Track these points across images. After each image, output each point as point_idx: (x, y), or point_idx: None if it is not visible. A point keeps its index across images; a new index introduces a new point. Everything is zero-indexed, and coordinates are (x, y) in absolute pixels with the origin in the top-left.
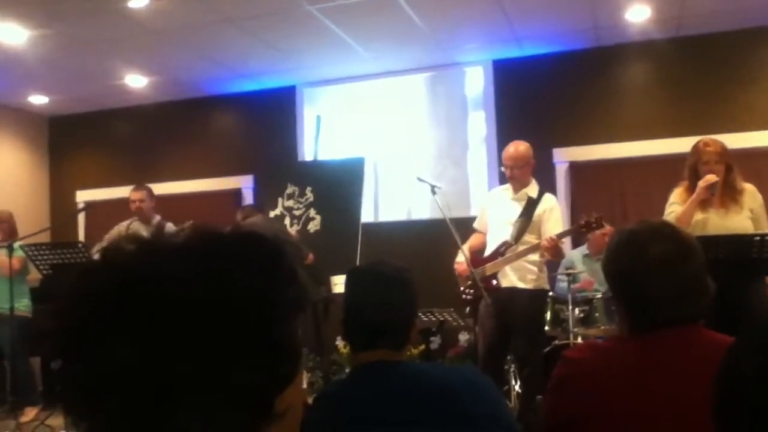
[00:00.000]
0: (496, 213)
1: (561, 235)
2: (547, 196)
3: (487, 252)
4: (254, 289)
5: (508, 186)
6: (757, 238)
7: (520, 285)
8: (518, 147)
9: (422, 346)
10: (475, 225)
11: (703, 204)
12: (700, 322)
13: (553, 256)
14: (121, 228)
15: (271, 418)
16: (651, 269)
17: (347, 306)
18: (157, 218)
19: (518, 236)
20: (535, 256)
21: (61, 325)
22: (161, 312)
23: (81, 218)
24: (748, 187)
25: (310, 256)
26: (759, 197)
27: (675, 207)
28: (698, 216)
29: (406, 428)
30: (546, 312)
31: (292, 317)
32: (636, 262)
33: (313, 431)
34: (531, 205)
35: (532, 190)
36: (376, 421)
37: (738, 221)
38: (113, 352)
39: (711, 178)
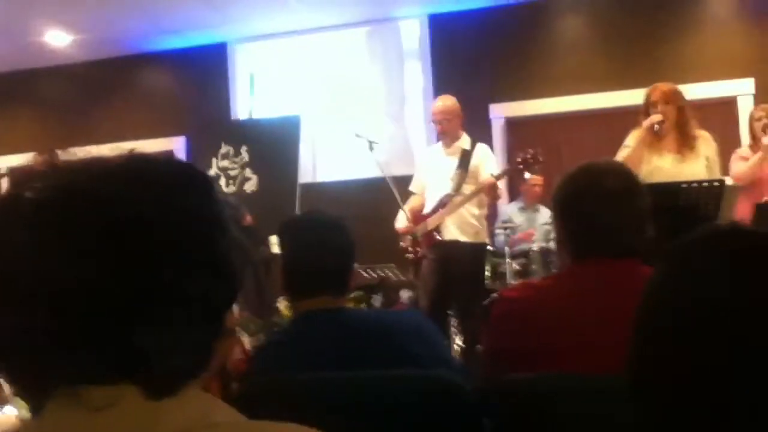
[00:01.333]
0: (432, 171)
1: (500, 175)
2: (480, 146)
3: (428, 208)
4: (195, 206)
5: (439, 144)
6: (684, 185)
7: (462, 238)
8: (445, 101)
9: (364, 304)
10: (411, 188)
11: (660, 150)
12: (636, 258)
13: (492, 198)
14: None
15: (222, 334)
16: (601, 198)
17: (285, 255)
18: None
19: (457, 188)
20: (475, 209)
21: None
22: (113, 232)
23: (4, 185)
24: (703, 134)
25: (248, 217)
26: (713, 144)
27: (626, 150)
28: (654, 162)
29: (350, 371)
30: (485, 266)
31: (229, 236)
32: (588, 191)
33: (258, 381)
34: (465, 156)
35: (465, 142)
36: (320, 366)
37: (692, 168)
38: (69, 271)
39: (654, 117)
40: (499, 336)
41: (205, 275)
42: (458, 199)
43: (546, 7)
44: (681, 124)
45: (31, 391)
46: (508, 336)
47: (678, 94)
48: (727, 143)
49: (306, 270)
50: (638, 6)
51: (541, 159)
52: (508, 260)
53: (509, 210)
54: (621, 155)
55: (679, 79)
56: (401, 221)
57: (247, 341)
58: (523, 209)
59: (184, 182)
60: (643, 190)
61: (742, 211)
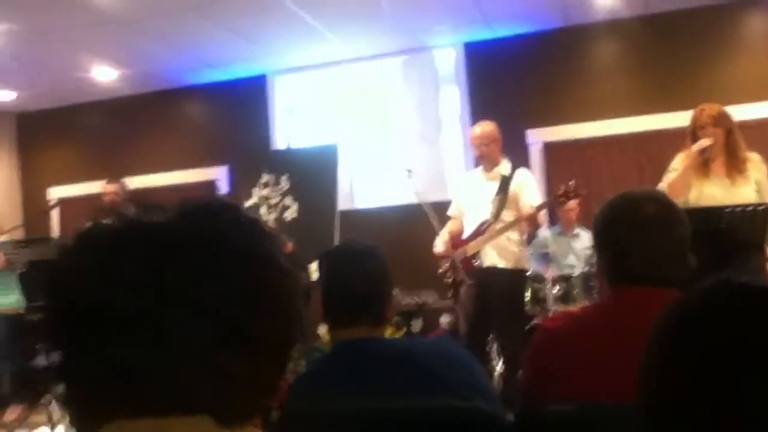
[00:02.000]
0: (471, 196)
1: (540, 207)
2: (521, 171)
3: (466, 234)
4: (247, 247)
5: (479, 168)
6: (728, 209)
7: (501, 264)
8: (483, 126)
9: (404, 329)
10: (450, 212)
11: (708, 174)
12: (674, 288)
13: (533, 227)
14: None
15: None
16: (642, 225)
17: (324, 285)
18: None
19: (497, 213)
20: (515, 235)
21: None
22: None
23: (55, 215)
24: (753, 156)
25: (289, 245)
26: (764, 167)
27: (671, 174)
28: (703, 188)
29: (385, 401)
30: (526, 291)
31: (284, 273)
32: (628, 217)
33: (297, 410)
34: (505, 182)
35: (504, 167)
36: (356, 395)
37: (743, 193)
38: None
39: (704, 142)
40: (538, 366)
41: (270, 315)
42: (498, 226)
43: (579, 33)
44: (730, 147)
45: (89, 420)
46: (547, 366)
47: (726, 116)
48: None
49: (343, 299)
50: (672, 29)
51: (581, 192)
52: (548, 285)
53: (546, 235)
54: (667, 179)
55: (716, 100)
56: (439, 246)
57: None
58: (560, 234)
59: (233, 220)
60: (683, 219)
61: None
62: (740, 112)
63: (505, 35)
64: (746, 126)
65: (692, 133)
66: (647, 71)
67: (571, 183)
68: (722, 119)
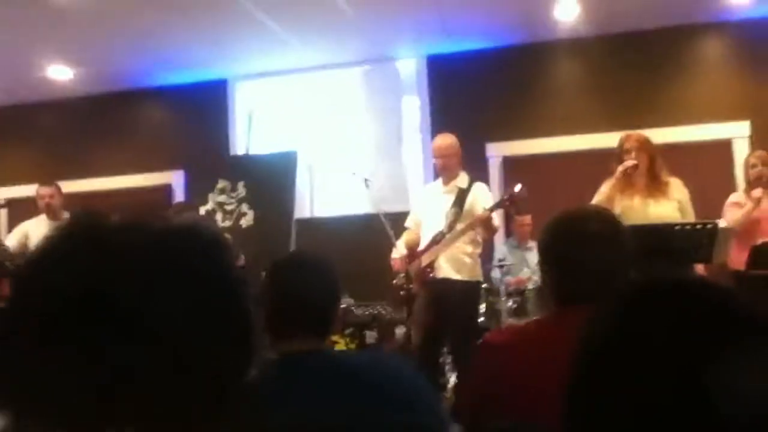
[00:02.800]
0: (428, 208)
1: (491, 209)
2: (477, 185)
3: (422, 245)
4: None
5: (438, 182)
6: (677, 227)
7: (455, 276)
8: (444, 139)
9: (357, 341)
10: (407, 224)
11: (631, 193)
12: None
13: (488, 231)
14: (26, 226)
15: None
16: (584, 243)
17: (270, 295)
18: (66, 215)
19: (451, 225)
20: (469, 247)
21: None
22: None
23: (3, 216)
24: (674, 180)
25: (242, 258)
26: (685, 190)
27: (598, 195)
28: (626, 202)
29: (332, 414)
30: (479, 304)
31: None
32: (571, 235)
33: (230, 424)
34: (461, 195)
35: (462, 180)
36: (299, 409)
37: (666, 209)
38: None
39: (628, 163)
40: (480, 381)
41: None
42: (451, 235)
43: (541, 49)
44: (652, 171)
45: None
46: (489, 382)
47: (650, 143)
48: (723, 185)
49: (287, 311)
50: (632, 49)
51: (525, 195)
52: (503, 298)
53: (503, 248)
54: (594, 200)
55: (673, 120)
56: (395, 258)
57: None
58: (515, 247)
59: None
60: (626, 235)
61: (736, 253)
62: (696, 132)
63: (467, 49)
64: (703, 146)
65: (618, 156)
66: (606, 89)
67: (517, 187)
68: (646, 144)
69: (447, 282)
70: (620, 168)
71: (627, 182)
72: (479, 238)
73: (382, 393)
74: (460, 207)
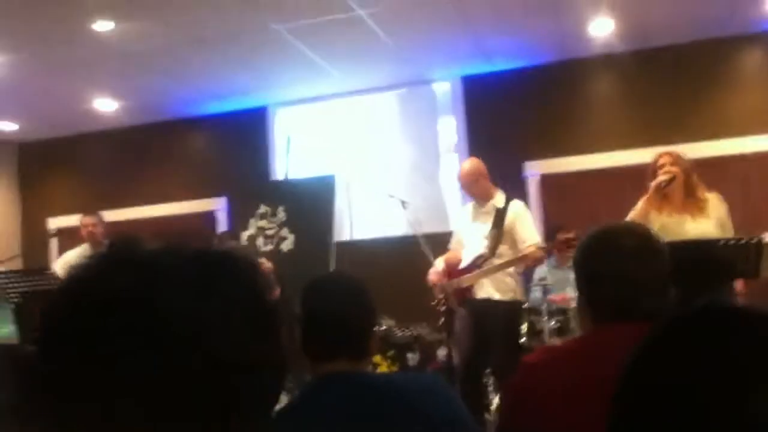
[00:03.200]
0: (468, 229)
1: (546, 249)
2: (514, 203)
3: (463, 264)
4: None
5: (473, 202)
6: (721, 242)
7: (497, 296)
8: (463, 166)
9: (399, 363)
10: (450, 246)
11: (669, 210)
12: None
13: (535, 263)
14: (69, 255)
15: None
16: (622, 260)
17: (304, 318)
18: None
19: (493, 248)
20: (509, 268)
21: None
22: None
23: (54, 245)
24: (712, 196)
25: (277, 291)
26: (724, 205)
27: (632, 212)
28: (662, 219)
29: None
30: (522, 324)
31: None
32: (608, 253)
33: None
34: (500, 215)
35: (499, 200)
36: (339, 430)
37: (704, 227)
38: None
39: (661, 177)
40: (517, 401)
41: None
42: (496, 261)
43: (576, 66)
44: (688, 187)
45: None
46: (526, 401)
47: (684, 159)
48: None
49: (322, 333)
50: (669, 63)
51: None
52: (545, 318)
53: (544, 268)
54: (629, 217)
55: (713, 134)
56: (433, 274)
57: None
58: (555, 267)
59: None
60: (663, 251)
61: None
62: (738, 145)
63: (502, 68)
64: (744, 159)
65: (653, 173)
66: (644, 105)
67: (573, 232)
68: (680, 160)
69: (489, 302)
70: (653, 183)
71: (663, 199)
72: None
73: (418, 414)
74: (500, 228)
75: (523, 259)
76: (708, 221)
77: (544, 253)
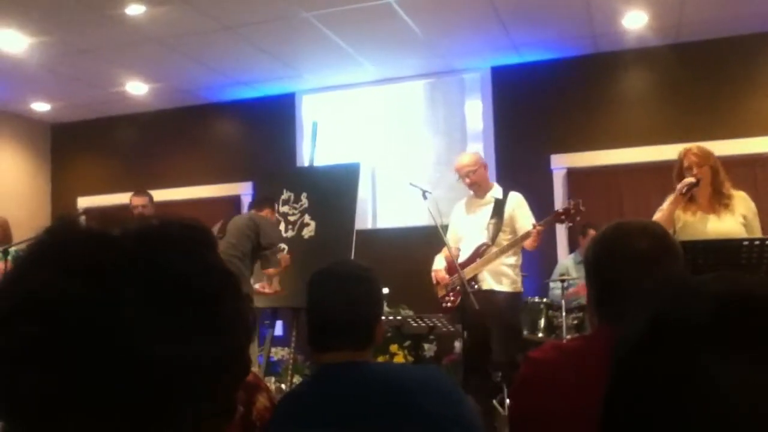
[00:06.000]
0: (467, 222)
1: (541, 224)
2: (513, 194)
3: (464, 257)
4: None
5: (471, 195)
6: (746, 242)
7: (498, 287)
8: (461, 158)
9: (415, 354)
10: (446, 238)
11: (694, 209)
12: None
13: (535, 242)
14: None
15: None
16: (632, 260)
17: (309, 307)
18: None
19: (494, 237)
20: (511, 259)
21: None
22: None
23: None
24: (739, 194)
25: (275, 286)
26: (751, 204)
27: (658, 213)
28: (686, 218)
29: (367, 428)
30: (540, 318)
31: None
32: (618, 252)
33: (277, 430)
34: (499, 205)
35: (497, 191)
36: (337, 421)
37: (730, 225)
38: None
39: (687, 180)
40: (523, 398)
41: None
42: (496, 249)
43: (608, 60)
44: (716, 185)
45: None
46: (532, 399)
47: (711, 156)
48: None
49: (328, 325)
50: (703, 58)
51: (582, 209)
52: (563, 314)
53: (566, 263)
54: (654, 218)
55: (748, 131)
56: (436, 271)
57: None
58: (579, 263)
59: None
60: (678, 253)
61: None
62: None
63: (532, 60)
64: None
65: (678, 173)
66: (676, 100)
67: (571, 201)
68: (706, 158)
69: (491, 294)
70: (679, 186)
71: (689, 199)
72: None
73: (415, 405)
74: (500, 217)
75: (522, 239)
76: (733, 219)
77: (540, 230)
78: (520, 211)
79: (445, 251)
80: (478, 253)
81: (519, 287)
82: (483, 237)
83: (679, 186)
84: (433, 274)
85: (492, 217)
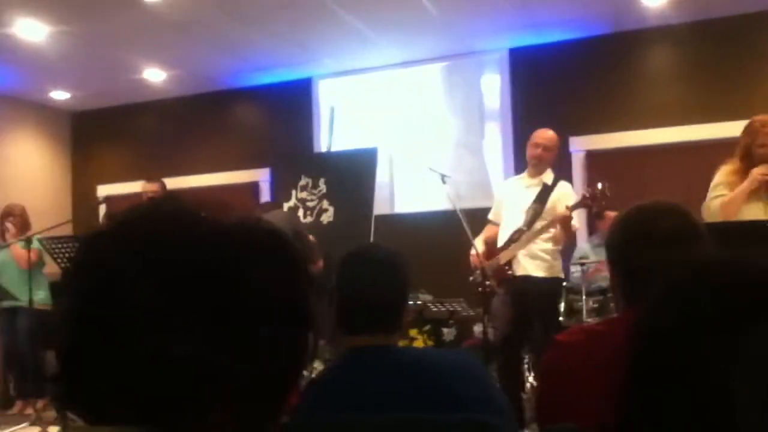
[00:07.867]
0: (510, 202)
1: (572, 207)
2: (562, 183)
3: (501, 242)
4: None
5: (523, 175)
6: None
7: (535, 273)
8: (548, 131)
9: (435, 338)
10: (490, 216)
11: (759, 195)
12: None
13: (567, 232)
14: None
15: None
16: (655, 242)
17: (339, 290)
18: None
19: (531, 222)
20: (549, 245)
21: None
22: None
23: (102, 213)
24: None
25: (320, 263)
26: None
27: (721, 190)
28: (754, 209)
29: (398, 411)
30: (561, 302)
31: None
32: (641, 234)
33: (305, 417)
34: (545, 191)
35: (548, 177)
36: (372, 405)
37: None
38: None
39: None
40: (550, 382)
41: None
42: (529, 233)
43: (629, 39)
44: None
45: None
46: (559, 382)
47: None
48: None
49: (358, 306)
50: (727, 35)
51: (608, 193)
52: (584, 297)
53: (585, 246)
54: (715, 201)
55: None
56: (474, 255)
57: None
58: (599, 246)
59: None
60: (703, 235)
61: None
62: None
63: (551, 40)
64: None
65: (747, 148)
66: (699, 79)
67: (599, 184)
68: None
69: (528, 279)
70: (757, 176)
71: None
72: (560, 236)
73: (447, 389)
74: (543, 203)
75: (551, 223)
76: None
77: (570, 213)
78: (564, 201)
79: (484, 233)
80: (512, 239)
81: (557, 272)
82: (520, 221)
83: (758, 177)
84: (471, 259)
85: (534, 201)
